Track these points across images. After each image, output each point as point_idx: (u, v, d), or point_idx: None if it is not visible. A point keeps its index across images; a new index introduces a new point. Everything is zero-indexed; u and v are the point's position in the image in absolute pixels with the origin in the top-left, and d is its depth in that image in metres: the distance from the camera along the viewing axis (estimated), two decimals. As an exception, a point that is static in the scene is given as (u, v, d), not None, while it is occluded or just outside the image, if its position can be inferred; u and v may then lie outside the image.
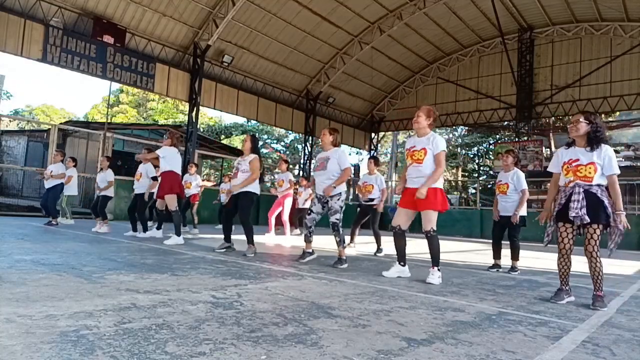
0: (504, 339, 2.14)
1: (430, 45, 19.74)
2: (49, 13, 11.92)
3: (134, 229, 7.25)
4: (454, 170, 33.82)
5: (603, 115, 23.89)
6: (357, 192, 7.52)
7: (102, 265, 3.69)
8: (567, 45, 18.16)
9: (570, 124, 3.39)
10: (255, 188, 5.38)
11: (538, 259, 7.62)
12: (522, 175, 5.28)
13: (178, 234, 6.15)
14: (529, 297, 3.51)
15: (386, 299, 3.03)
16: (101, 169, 8.41)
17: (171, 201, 6.22)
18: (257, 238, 5.60)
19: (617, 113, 23.45)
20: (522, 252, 5.40)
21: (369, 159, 7.31)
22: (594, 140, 3.24)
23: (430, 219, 3.94)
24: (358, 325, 2.23)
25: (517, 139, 19.74)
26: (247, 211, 5.32)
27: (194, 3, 13.85)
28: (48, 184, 8.63)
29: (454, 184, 32.10)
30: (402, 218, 4.13)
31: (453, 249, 9.41)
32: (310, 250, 5.06)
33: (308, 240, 5.06)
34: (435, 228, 3.97)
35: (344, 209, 4.91)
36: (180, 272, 3.56)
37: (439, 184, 4.03)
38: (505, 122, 22.13)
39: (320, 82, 19.05)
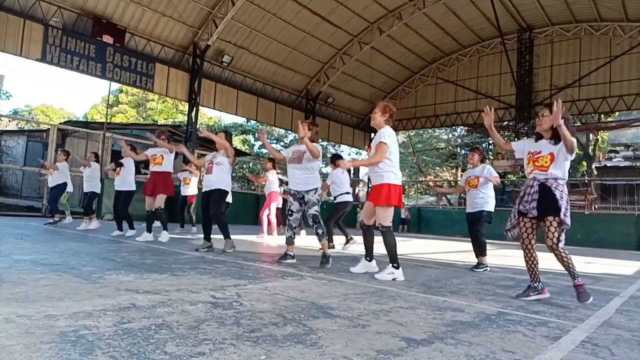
0: (504, 339, 2.14)
1: (429, 46, 19.75)
2: (49, 13, 11.91)
3: (120, 228, 7.03)
4: (453, 171, 33.83)
5: (602, 116, 23.95)
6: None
7: (101, 265, 3.69)
8: (567, 45, 18.16)
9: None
10: (226, 185, 5.50)
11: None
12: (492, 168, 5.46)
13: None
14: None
15: (385, 299, 3.03)
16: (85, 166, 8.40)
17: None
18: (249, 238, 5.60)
19: (617, 113, 23.46)
20: (520, 252, 5.37)
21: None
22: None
23: (379, 215, 4.00)
24: (357, 325, 2.23)
25: (516, 139, 19.73)
26: (219, 206, 5.41)
27: (193, 3, 13.85)
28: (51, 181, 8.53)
29: (453, 184, 32.10)
30: (365, 213, 4.22)
31: (452, 249, 9.42)
32: (292, 254, 4.76)
33: (291, 242, 4.78)
34: (384, 224, 3.99)
35: (320, 203, 4.82)
36: (179, 272, 3.56)
37: (388, 179, 3.99)
38: (505, 122, 22.12)
39: (320, 82, 19.05)
